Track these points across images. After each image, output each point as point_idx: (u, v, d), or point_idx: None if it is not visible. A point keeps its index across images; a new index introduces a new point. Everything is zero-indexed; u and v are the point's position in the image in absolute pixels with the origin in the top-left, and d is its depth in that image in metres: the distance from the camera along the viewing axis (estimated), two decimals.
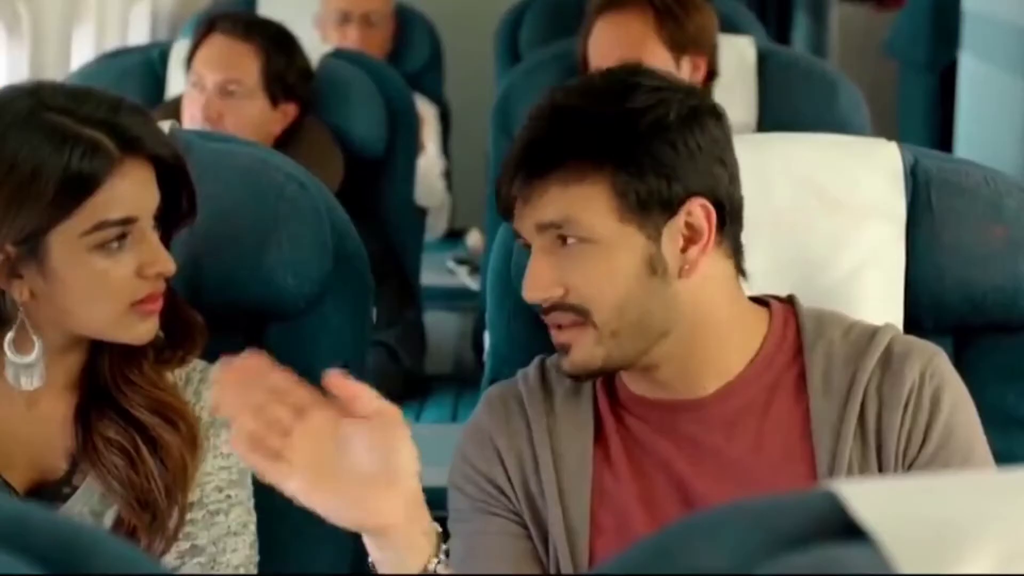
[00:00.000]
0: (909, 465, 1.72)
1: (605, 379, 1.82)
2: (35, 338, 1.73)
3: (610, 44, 3.09)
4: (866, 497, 0.78)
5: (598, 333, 1.70)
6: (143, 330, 1.75)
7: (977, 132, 3.96)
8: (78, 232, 1.68)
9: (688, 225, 1.70)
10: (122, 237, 1.71)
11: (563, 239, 1.70)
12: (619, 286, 1.70)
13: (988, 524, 0.75)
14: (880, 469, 1.72)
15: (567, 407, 1.81)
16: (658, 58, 3.05)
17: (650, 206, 1.68)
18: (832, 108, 3.14)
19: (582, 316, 1.71)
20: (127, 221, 1.70)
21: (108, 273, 1.70)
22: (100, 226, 1.69)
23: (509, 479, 1.80)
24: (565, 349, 1.73)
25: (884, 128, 4.17)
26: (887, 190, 1.95)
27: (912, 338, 1.80)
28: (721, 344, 1.76)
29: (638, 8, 3.10)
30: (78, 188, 1.67)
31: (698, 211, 1.70)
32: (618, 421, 1.80)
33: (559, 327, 1.73)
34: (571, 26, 4.15)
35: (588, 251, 1.69)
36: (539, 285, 1.72)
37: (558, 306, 1.72)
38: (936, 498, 0.79)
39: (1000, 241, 1.95)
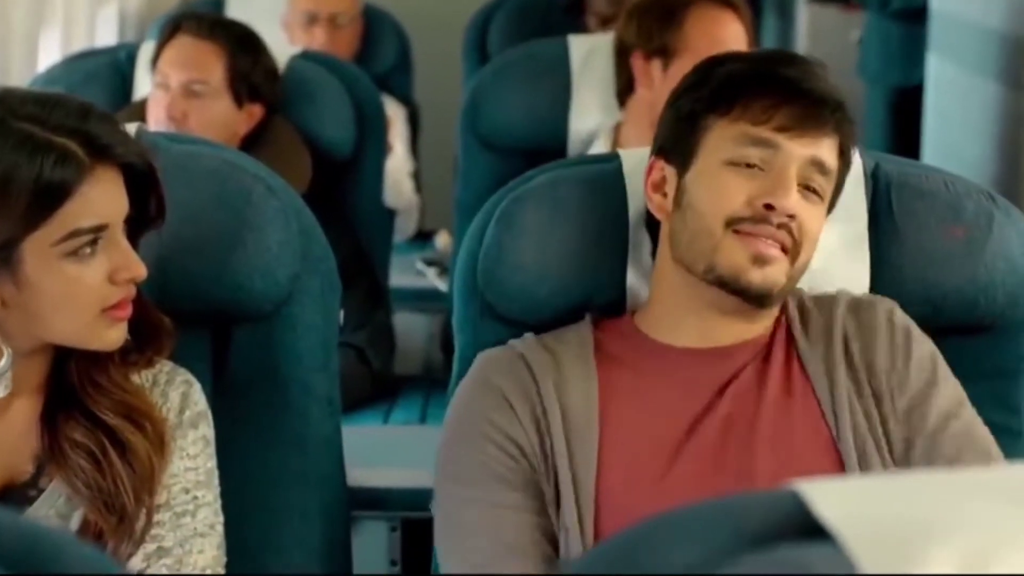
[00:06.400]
0: (901, 380, 1.83)
1: (608, 327, 1.90)
2: (4, 348, 1.73)
3: (727, 42, 3.05)
4: (829, 497, 0.78)
5: (791, 268, 1.82)
6: (113, 336, 1.75)
7: (944, 132, 3.97)
8: (51, 241, 1.68)
9: None
10: (94, 243, 1.71)
11: (807, 186, 1.82)
12: (816, 243, 1.85)
13: (951, 524, 0.75)
14: (874, 391, 1.82)
15: (570, 362, 1.85)
16: None
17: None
18: None
19: (794, 246, 1.81)
20: (99, 229, 1.70)
21: (80, 279, 1.70)
22: (73, 235, 1.69)
23: (528, 436, 1.81)
24: (767, 261, 1.81)
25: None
26: (849, 193, 1.96)
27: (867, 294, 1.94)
28: None
29: (733, 7, 3.09)
30: (50, 197, 1.66)
31: None
32: (621, 369, 1.86)
33: (771, 243, 1.81)
34: (539, 27, 4.16)
35: (818, 203, 1.84)
36: (795, 202, 1.81)
37: (786, 227, 1.80)
38: (899, 498, 0.79)
39: (960, 243, 1.96)
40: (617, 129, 3.12)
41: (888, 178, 1.99)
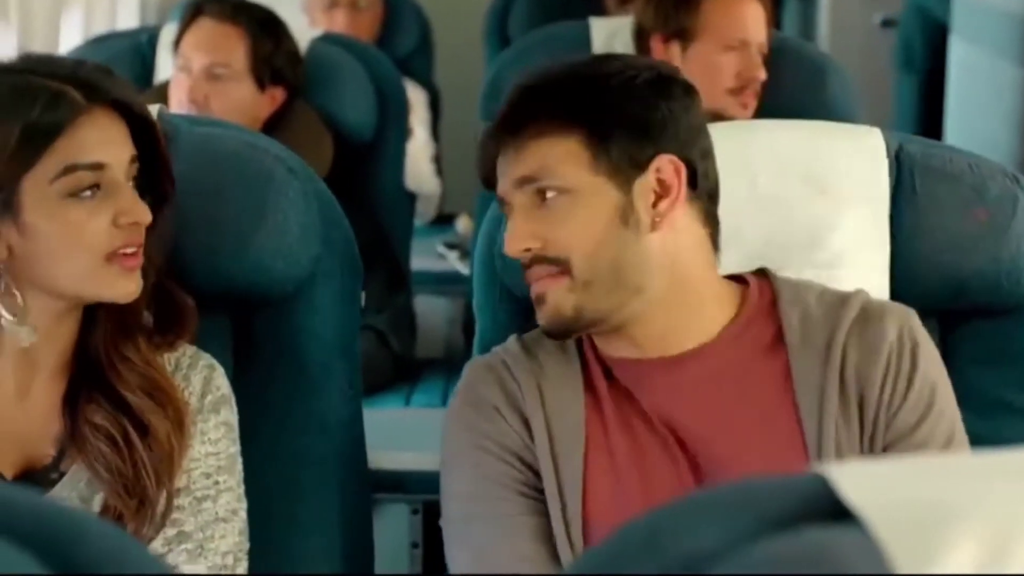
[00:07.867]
0: (893, 415, 1.74)
1: (592, 342, 1.84)
2: (16, 292, 1.72)
3: (746, 22, 3.05)
4: (855, 480, 0.78)
5: (573, 282, 1.75)
6: (125, 286, 1.74)
7: (966, 116, 3.96)
8: (48, 178, 1.68)
9: (659, 181, 1.76)
10: (95, 187, 1.71)
11: (541, 195, 1.75)
12: (593, 234, 1.74)
13: (975, 506, 0.75)
14: (861, 423, 1.74)
15: (555, 370, 1.82)
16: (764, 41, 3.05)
17: (621, 162, 1.75)
18: (821, 91, 3.14)
19: (560, 266, 1.75)
20: (96, 166, 1.70)
21: (82, 223, 1.70)
22: (69, 170, 1.69)
23: (523, 443, 1.80)
24: (541, 300, 1.77)
25: (875, 109, 4.16)
26: (872, 175, 1.96)
27: (885, 300, 1.84)
28: (699, 304, 1.79)
29: None
30: (43, 134, 1.68)
31: (667, 167, 1.76)
32: (607, 380, 1.82)
33: (538, 280, 1.77)
34: (560, 10, 4.15)
35: (564, 201, 1.75)
36: (519, 237, 1.76)
37: (539, 259, 1.76)
38: (924, 481, 0.79)
39: (983, 225, 1.95)
40: None
41: (912, 160, 1.98)
